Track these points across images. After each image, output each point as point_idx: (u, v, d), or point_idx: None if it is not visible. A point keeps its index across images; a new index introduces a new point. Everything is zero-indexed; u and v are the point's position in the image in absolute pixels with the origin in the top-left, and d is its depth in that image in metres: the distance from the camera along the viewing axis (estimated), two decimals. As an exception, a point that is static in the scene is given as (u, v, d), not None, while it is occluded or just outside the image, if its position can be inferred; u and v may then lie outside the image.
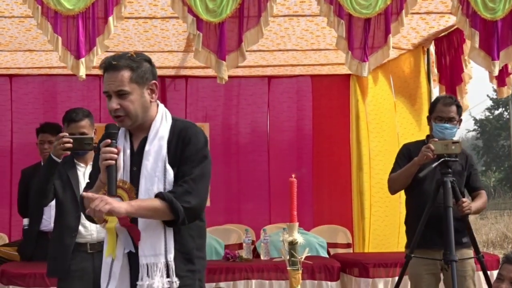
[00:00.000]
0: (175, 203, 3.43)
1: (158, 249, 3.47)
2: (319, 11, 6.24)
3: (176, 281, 3.49)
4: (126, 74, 3.53)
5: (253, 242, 7.82)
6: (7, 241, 8.88)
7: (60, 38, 5.90)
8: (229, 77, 6.26)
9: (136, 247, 3.50)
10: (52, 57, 8.55)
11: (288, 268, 4.39)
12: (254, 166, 10.06)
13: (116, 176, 3.48)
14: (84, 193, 3.45)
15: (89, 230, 5.21)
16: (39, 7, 5.83)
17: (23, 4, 6.03)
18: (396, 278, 5.75)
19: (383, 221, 9.28)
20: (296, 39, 8.14)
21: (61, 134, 5.10)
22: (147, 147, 3.56)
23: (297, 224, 4.43)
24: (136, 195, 3.50)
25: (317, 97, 10.28)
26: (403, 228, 8.67)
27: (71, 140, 5.05)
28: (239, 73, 9.57)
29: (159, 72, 9.66)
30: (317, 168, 10.23)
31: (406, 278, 6.28)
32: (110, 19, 5.90)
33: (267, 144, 10.29)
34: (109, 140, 3.50)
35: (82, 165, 5.32)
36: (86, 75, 6.04)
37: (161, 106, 3.75)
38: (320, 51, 8.76)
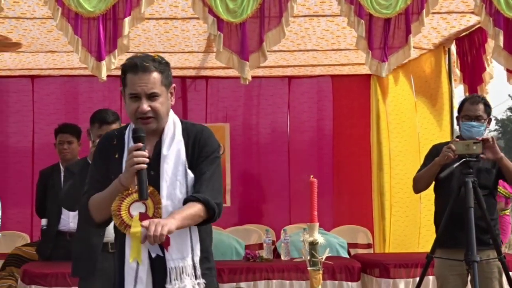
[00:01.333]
0: (211, 202, 3.46)
1: (185, 252, 3.48)
2: (340, 11, 6.23)
3: (203, 282, 3.52)
4: (157, 76, 3.52)
5: (273, 242, 7.81)
6: (28, 241, 8.94)
7: (80, 40, 5.93)
8: (250, 77, 6.27)
9: (163, 251, 3.48)
10: (73, 58, 8.59)
11: (309, 268, 4.39)
12: (274, 166, 10.06)
13: (146, 181, 3.44)
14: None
15: (110, 230, 5.21)
16: (60, 8, 5.86)
17: (44, 5, 6.06)
18: (417, 279, 5.73)
19: (404, 222, 9.25)
20: (317, 39, 8.13)
21: (97, 141, 5.10)
22: (165, 151, 3.54)
23: (317, 224, 4.42)
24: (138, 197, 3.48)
25: (338, 97, 10.28)
26: (424, 228, 8.71)
27: None
28: (260, 74, 9.58)
29: (180, 73, 9.82)
30: (338, 168, 10.22)
31: (427, 278, 6.26)
32: (127, 20, 5.93)
33: (287, 144, 10.29)
34: (140, 144, 3.44)
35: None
36: (107, 76, 6.06)
37: (170, 110, 3.72)
38: (341, 51, 8.75)
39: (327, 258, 4.43)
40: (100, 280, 5.20)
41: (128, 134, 3.61)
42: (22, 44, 7.98)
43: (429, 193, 5.95)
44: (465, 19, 7.51)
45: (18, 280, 6.77)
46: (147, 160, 3.43)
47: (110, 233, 5.20)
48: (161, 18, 7.19)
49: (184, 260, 3.48)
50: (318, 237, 4.38)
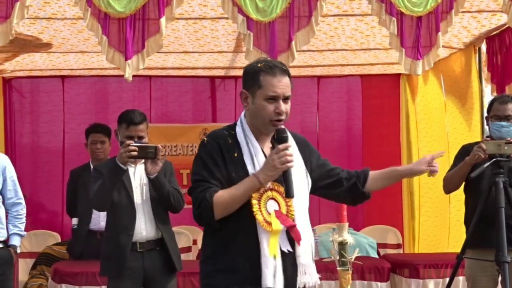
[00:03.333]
0: None
1: (309, 247, 3.64)
2: (370, 10, 6.21)
3: (319, 276, 3.69)
4: (289, 80, 3.72)
5: (303, 242, 7.78)
6: (59, 240, 9.00)
7: (107, 39, 5.96)
8: (279, 77, 6.26)
9: (293, 246, 3.61)
10: (103, 58, 8.59)
11: (338, 268, 4.39)
12: (303, 166, 10.04)
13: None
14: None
15: (138, 229, 5.24)
16: (89, 9, 5.90)
17: (75, 6, 6.10)
18: (447, 279, 5.69)
19: (433, 222, 9.21)
20: (346, 39, 8.11)
21: (127, 142, 5.09)
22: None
23: (347, 224, 4.43)
24: (285, 195, 3.60)
25: (367, 97, 10.25)
26: (453, 228, 8.66)
27: (137, 148, 5.06)
28: (289, 73, 9.56)
29: (209, 73, 9.85)
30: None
31: (457, 279, 6.22)
32: (162, 20, 5.95)
33: (316, 144, 10.25)
34: (288, 144, 3.58)
35: (132, 164, 5.35)
36: (137, 76, 6.09)
37: None
38: (370, 50, 8.72)
39: (357, 258, 4.43)
40: (129, 279, 5.23)
41: (242, 134, 3.69)
42: (52, 45, 8.03)
43: (458, 193, 5.92)
44: (495, 18, 7.46)
45: (49, 279, 6.83)
46: (294, 159, 3.56)
47: (138, 232, 5.25)
48: (190, 18, 7.21)
49: (310, 255, 3.64)
50: (348, 237, 4.38)
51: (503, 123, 5.50)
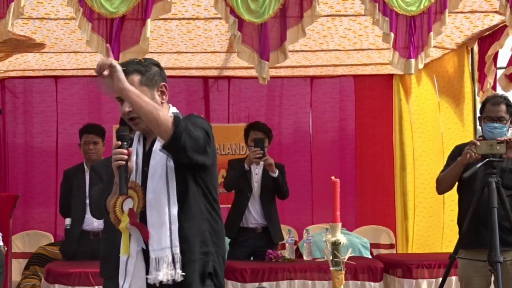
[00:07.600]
0: (182, 122, 3.49)
1: (163, 243, 3.58)
2: (364, 10, 6.21)
3: (180, 273, 3.58)
4: (135, 78, 3.69)
5: (296, 242, 7.79)
6: (52, 240, 9.00)
7: (97, 37, 5.97)
8: (272, 77, 6.25)
9: (147, 244, 3.62)
10: (96, 58, 8.62)
11: (331, 268, 4.38)
12: (296, 167, 10.03)
13: (126, 177, 3.58)
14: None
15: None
16: (81, 9, 5.90)
17: (68, 6, 6.09)
18: (440, 279, 5.70)
19: (427, 222, 9.22)
20: (339, 39, 8.11)
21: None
22: (154, 147, 3.69)
23: (340, 224, 4.42)
24: (144, 195, 3.62)
25: (360, 97, 10.26)
26: (447, 229, 8.68)
27: None
28: (282, 74, 9.58)
29: (202, 73, 9.83)
30: (360, 168, 10.20)
31: (450, 279, 6.22)
32: (148, 21, 5.94)
33: (309, 144, 10.28)
34: (119, 142, 3.60)
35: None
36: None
37: (172, 108, 3.83)
38: (363, 51, 8.73)
39: (350, 258, 4.42)
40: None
41: (136, 136, 3.81)
42: (45, 45, 8.03)
43: (453, 194, 5.92)
44: (488, 18, 7.47)
45: (42, 279, 6.82)
46: (125, 157, 3.57)
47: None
48: (183, 18, 7.21)
49: (163, 251, 3.58)
50: (341, 237, 4.37)
51: (496, 125, 5.49)
